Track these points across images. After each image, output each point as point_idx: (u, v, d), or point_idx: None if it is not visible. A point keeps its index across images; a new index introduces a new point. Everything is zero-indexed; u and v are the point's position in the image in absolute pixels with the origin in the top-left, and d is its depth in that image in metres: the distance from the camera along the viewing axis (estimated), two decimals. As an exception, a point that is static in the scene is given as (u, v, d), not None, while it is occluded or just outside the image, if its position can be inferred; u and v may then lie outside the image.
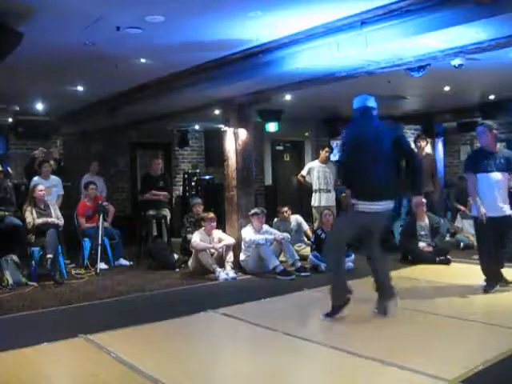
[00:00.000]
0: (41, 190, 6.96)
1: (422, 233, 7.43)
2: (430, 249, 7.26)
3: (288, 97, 7.73)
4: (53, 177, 7.79)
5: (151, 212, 8.27)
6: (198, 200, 8.24)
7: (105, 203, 7.76)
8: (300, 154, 12.37)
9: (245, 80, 5.77)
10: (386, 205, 4.44)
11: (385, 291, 4.60)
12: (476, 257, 7.33)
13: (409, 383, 3.17)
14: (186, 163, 11.63)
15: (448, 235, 8.27)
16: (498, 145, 5.68)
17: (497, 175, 5.33)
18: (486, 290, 5.36)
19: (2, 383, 3.30)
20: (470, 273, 6.28)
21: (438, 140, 11.46)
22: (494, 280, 5.42)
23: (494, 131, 5.48)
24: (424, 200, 7.45)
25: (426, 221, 7.45)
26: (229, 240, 6.99)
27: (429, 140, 9.33)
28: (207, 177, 11.25)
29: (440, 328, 4.33)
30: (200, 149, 11.82)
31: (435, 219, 7.54)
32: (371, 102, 4.60)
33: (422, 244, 7.30)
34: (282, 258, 7.09)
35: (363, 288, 5.97)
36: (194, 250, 6.89)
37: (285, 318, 4.64)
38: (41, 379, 3.51)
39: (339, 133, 11.09)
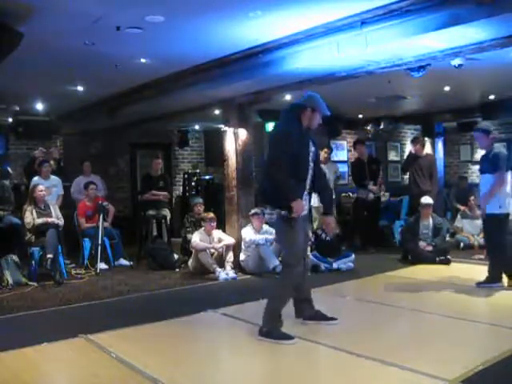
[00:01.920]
0: (41, 191, 6.95)
1: (425, 231, 7.44)
2: (430, 248, 7.26)
3: (288, 97, 7.73)
4: (53, 177, 7.79)
5: (151, 212, 8.27)
6: (199, 200, 8.23)
7: (105, 203, 7.76)
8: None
9: (245, 80, 5.77)
10: (274, 213, 4.04)
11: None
12: (476, 257, 7.38)
13: (409, 383, 3.17)
14: (186, 163, 11.63)
15: (448, 235, 8.28)
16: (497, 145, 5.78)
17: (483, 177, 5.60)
18: (482, 285, 5.48)
19: (2, 383, 3.30)
20: (470, 273, 6.29)
21: (437, 140, 11.46)
22: (496, 278, 5.49)
23: (492, 135, 5.61)
24: (431, 201, 7.48)
25: (430, 220, 7.47)
26: (229, 240, 6.99)
27: (426, 140, 9.36)
28: (207, 177, 11.25)
29: (440, 328, 4.33)
30: (200, 149, 11.82)
31: (438, 220, 7.56)
32: (301, 100, 4.16)
33: (422, 243, 7.31)
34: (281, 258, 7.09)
35: (363, 288, 6.00)
36: (193, 250, 6.89)
37: (284, 318, 4.63)
38: (41, 379, 3.51)
39: (339, 133, 11.11)
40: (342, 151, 12.09)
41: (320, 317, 4.36)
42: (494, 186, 5.39)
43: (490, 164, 5.43)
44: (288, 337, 3.91)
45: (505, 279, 5.49)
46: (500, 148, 5.63)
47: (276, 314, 4.03)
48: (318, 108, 4.13)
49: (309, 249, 7.61)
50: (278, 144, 4.01)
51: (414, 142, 8.62)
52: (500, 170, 5.39)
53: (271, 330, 3.96)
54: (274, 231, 7.15)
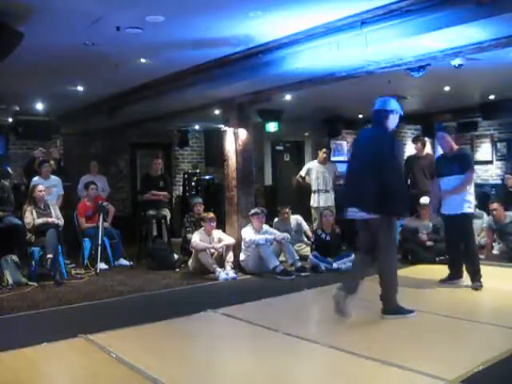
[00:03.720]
0: (40, 191, 6.94)
1: (424, 232, 7.44)
2: (431, 243, 7.27)
3: (288, 97, 7.73)
4: (53, 177, 7.79)
5: (151, 212, 8.27)
6: (199, 200, 8.23)
7: (105, 203, 7.76)
8: (300, 154, 12.36)
9: (245, 80, 5.77)
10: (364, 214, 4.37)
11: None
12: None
13: (409, 383, 3.17)
14: (186, 163, 11.63)
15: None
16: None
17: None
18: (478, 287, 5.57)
19: (2, 383, 3.30)
20: (469, 273, 6.28)
21: (438, 140, 11.43)
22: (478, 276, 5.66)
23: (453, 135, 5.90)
24: (429, 201, 7.49)
25: (430, 221, 7.47)
26: (229, 240, 6.98)
27: (427, 140, 9.35)
28: (207, 177, 11.25)
29: (440, 328, 4.33)
30: (200, 149, 11.82)
31: (438, 220, 7.55)
32: (388, 105, 4.50)
33: (422, 236, 7.33)
34: (281, 258, 7.09)
35: (363, 288, 5.98)
36: (193, 250, 6.89)
37: (285, 318, 4.64)
38: (41, 379, 3.52)
39: (339, 133, 11.10)
40: (342, 156, 12.05)
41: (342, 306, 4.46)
42: (464, 183, 5.56)
43: (460, 164, 5.56)
44: (410, 311, 4.43)
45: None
46: (466, 149, 5.93)
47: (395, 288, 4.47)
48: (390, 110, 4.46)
49: (309, 249, 7.65)
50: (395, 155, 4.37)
51: (415, 141, 8.63)
52: (472, 169, 5.68)
53: (398, 306, 4.42)
54: (274, 231, 7.19)
